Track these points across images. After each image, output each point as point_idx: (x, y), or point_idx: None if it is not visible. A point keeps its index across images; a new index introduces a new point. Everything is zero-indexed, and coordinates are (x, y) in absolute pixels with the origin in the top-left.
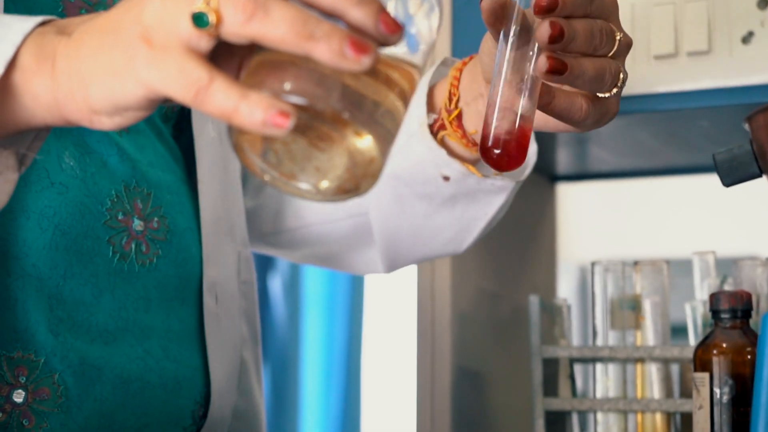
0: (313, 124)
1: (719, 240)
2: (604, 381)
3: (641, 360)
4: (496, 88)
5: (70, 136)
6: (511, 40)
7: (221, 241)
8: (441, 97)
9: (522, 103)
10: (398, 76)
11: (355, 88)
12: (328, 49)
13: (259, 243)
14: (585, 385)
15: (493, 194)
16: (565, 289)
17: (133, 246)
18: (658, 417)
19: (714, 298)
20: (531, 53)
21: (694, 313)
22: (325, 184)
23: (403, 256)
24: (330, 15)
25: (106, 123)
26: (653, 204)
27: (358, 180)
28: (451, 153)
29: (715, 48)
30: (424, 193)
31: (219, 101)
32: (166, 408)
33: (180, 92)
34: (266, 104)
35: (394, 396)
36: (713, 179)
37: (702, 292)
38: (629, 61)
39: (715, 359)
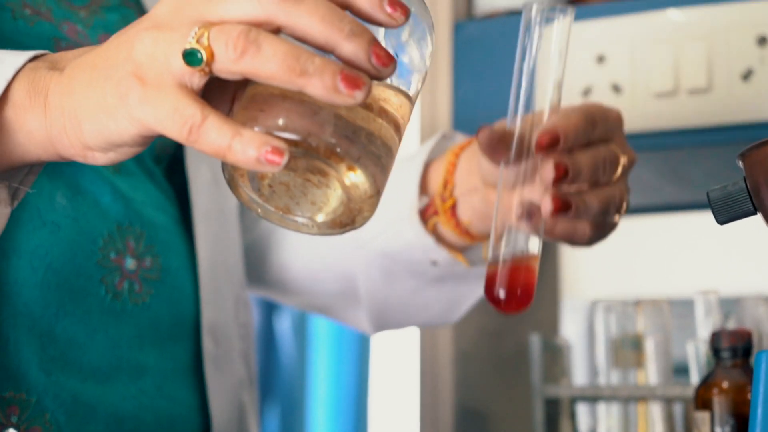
0: (306, 159)
1: (722, 278)
2: (607, 420)
3: (644, 399)
4: (500, 225)
5: (62, 176)
6: (513, 176)
7: (219, 283)
8: (436, 179)
9: (527, 243)
10: (392, 107)
11: (349, 122)
12: (321, 85)
13: (253, 286)
14: (591, 425)
15: (482, 277)
16: (570, 328)
17: (126, 285)
18: None
19: (715, 336)
20: (535, 185)
21: (696, 352)
22: (320, 217)
23: (391, 323)
24: (323, 50)
25: (100, 159)
26: (656, 242)
27: (353, 214)
28: (442, 239)
29: (715, 85)
30: (413, 271)
31: (212, 139)
32: None
33: (174, 130)
34: (259, 142)
35: None
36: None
37: (705, 331)
38: (628, 99)
39: (715, 398)
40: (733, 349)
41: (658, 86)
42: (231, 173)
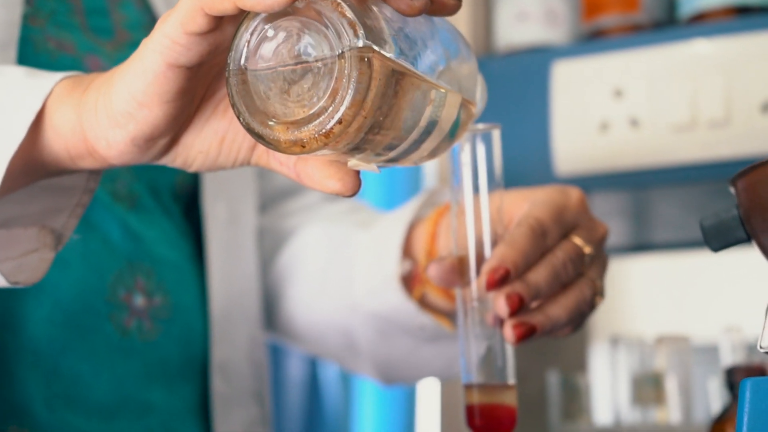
0: None
1: (747, 316)
2: None
3: None
4: (469, 362)
5: None
6: (475, 294)
7: (232, 321)
8: (420, 243)
9: (497, 370)
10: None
11: None
12: None
13: (269, 330)
14: None
15: None
16: (590, 365)
17: (135, 323)
18: None
19: (730, 371)
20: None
21: (721, 391)
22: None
23: (396, 377)
24: None
25: (120, 137)
26: (680, 278)
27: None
28: (431, 304)
29: (734, 118)
30: (406, 331)
31: None
32: None
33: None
34: None
35: None
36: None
37: None
38: (647, 133)
39: None
40: None
41: (676, 119)
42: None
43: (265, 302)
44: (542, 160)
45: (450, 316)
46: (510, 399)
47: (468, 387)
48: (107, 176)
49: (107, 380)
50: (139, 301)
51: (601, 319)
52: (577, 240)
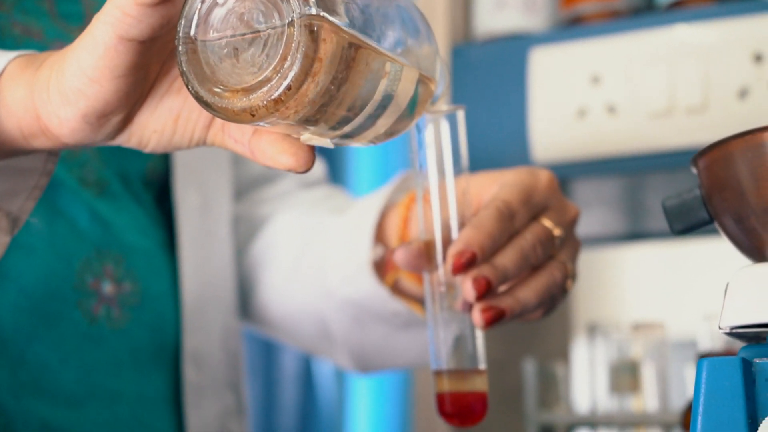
0: None
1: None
2: None
3: (640, 426)
4: (438, 348)
5: (40, 199)
6: (443, 279)
7: (205, 309)
8: (392, 229)
9: (467, 355)
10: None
11: None
12: None
13: (245, 320)
14: None
15: None
16: (567, 353)
17: (103, 310)
18: None
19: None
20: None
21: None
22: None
23: (372, 365)
24: None
25: (71, 114)
26: (661, 268)
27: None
28: (404, 290)
29: (711, 104)
30: (379, 318)
31: None
32: None
33: None
34: None
35: None
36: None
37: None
38: (624, 120)
39: None
40: None
41: (653, 106)
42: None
43: (240, 291)
44: (519, 146)
45: (423, 301)
46: (481, 385)
47: (438, 374)
48: (75, 162)
49: (75, 368)
50: (108, 288)
51: (580, 308)
52: (547, 222)
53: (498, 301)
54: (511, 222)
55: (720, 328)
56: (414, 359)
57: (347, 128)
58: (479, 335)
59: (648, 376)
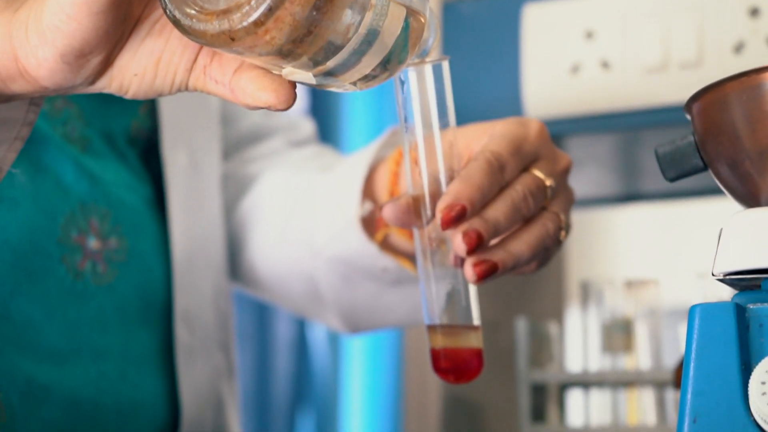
0: None
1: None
2: (597, 407)
3: (633, 384)
4: (431, 304)
5: (23, 152)
6: (434, 234)
7: (195, 269)
8: (382, 184)
9: (461, 311)
10: None
11: None
12: None
13: (233, 280)
14: (580, 412)
15: None
16: (560, 312)
17: (89, 265)
18: None
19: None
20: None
21: None
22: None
23: (362, 325)
24: None
25: (49, 53)
26: (656, 227)
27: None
28: (394, 246)
29: (706, 59)
30: (369, 275)
31: None
32: None
33: None
34: None
35: None
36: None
37: None
38: (618, 75)
39: None
40: None
41: (647, 61)
42: None
43: (229, 251)
44: (512, 103)
45: (414, 257)
46: (476, 341)
47: (431, 329)
48: (57, 120)
49: (60, 324)
50: (93, 243)
51: (574, 268)
52: (538, 172)
53: (490, 255)
54: (500, 173)
55: (713, 275)
56: (405, 317)
57: (330, 63)
58: (472, 290)
59: (641, 334)
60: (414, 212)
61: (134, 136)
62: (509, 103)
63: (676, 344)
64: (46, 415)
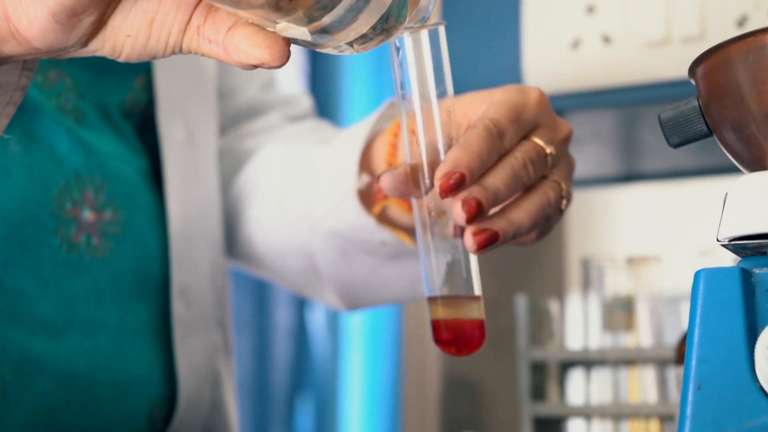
0: None
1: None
2: (598, 385)
3: (634, 362)
4: (431, 276)
5: (17, 122)
6: (432, 204)
7: (192, 244)
8: (379, 156)
9: (461, 282)
10: None
11: None
12: None
13: (229, 256)
14: (580, 390)
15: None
16: (561, 289)
17: (83, 238)
18: (653, 423)
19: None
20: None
21: None
22: None
23: (360, 300)
24: None
25: (41, 12)
26: (658, 205)
27: None
28: (392, 219)
29: (709, 33)
30: (366, 250)
31: None
32: (117, 407)
33: None
34: None
35: None
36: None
37: None
38: (619, 50)
39: None
40: None
41: (649, 35)
42: None
43: (226, 227)
44: (512, 78)
45: (412, 231)
46: (477, 312)
47: (432, 300)
48: (51, 91)
49: (53, 296)
50: (88, 215)
51: (574, 245)
52: (538, 140)
53: (490, 224)
54: (500, 141)
55: (718, 240)
56: (403, 292)
57: (326, 19)
58: (473, 260)
59: (642, 312)
60: (412, 182)
61: (129, 110)
62: (509, 79)
63: (677, 322)
64: (40, 389)
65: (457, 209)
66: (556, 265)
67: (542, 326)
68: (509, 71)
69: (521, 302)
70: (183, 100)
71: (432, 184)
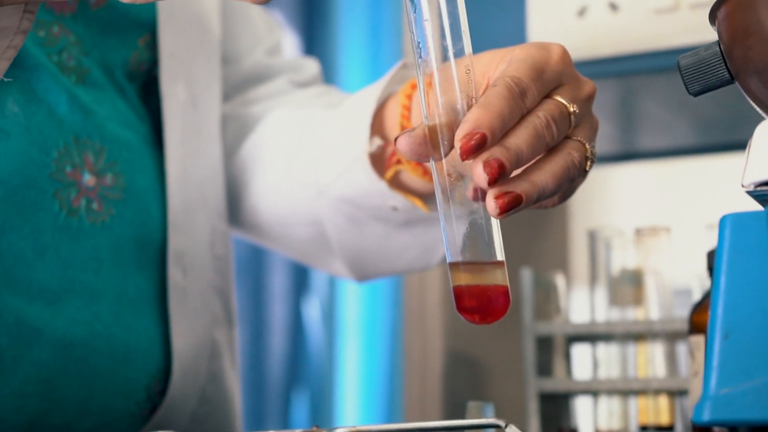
0: None
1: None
2: (605, 360)
3: (643, 337)
4: (452, 241)
5: (15, 82)
6: (451, 167)
7: (191, 210)
8: (392, 119)
9: (483, 246)
10: None
11: None
12: None
13: (233, 226)
14: (587, 365)
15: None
16: (567, 262)
17: (83, 202)
18: (662, 399)
19: (711, 255)
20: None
21: (702, 285)
22: None
23: (369, 270)
24: None
25: None
26: (665, 180)
27: None
28: (404, 184)
29: None
30: (377, 216)
31: None
32: (115, 378)
33: None
34: None
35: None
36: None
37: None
38: (626, 17)
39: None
40: None
41: (657, 1)
42: None
43: (228, 194)
44: None
45: (426, 196)
46: (501, 278)
47: (454, 267)
48: (53, 48)
49: (52, 262)
50: (88, 179)
51: (579, 217)
52: (561, 99)
53: (513, 186)
54: (522, 100)
55: (743, 186)
56: (414, 261)
57: None
58: (495, 225)
59: (650, 285)
60: (430, 144)
61: (133, 70)
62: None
63: (687, 296)
64: (36, 357)
65: (478, 171)
66: (561, 239)
67: (548, 300)
68: (514, 39)
69: (526, 276)
70: (187, 60)
71: (451, 146)
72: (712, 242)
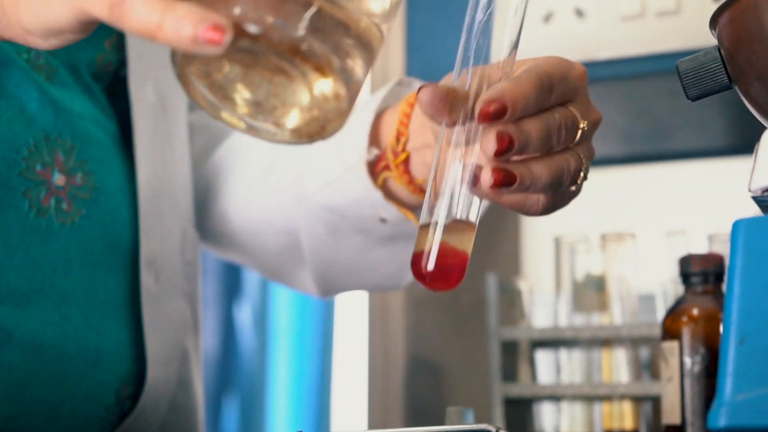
0: (268, 57)
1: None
2: (569, 365)
3: (607, 342)
4: (438, 184)
5: None
6: (456, 137)
7: (162, 214)
8: (388, 131)
9: (468, 208)
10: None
11: (324, 14)
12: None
13: (202, 235)
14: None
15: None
16: (531, 268)
17: (53, 202)
18: (626, 404)
19: (684, 261)
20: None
21: (664, 290)
22: (284, 123)
23: (337, 284)
24: None
25: (42, 44)
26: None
27: (322, 123)
28: (392, 196)
29: (684, 7)
30: (360, 228)
31: (139, 16)
32: (86, 382)
33: (97, 7)
34: (196, 18)
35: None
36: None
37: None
38: (592, 24)
39: (685, 327)
40: (703, 274)
41: (623, 9)
42: (181, 66)
43: (195, 204)
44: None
45: (411, 208)
46: (465, 243)
47: (422, 225)
48: (23, 46)
49: (21, 262)
50: (58, 178)
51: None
52: (574, 111)
53: (510, 166)
54: (547, 94)
55: (749, 191)
56: (385, 278)
57: None
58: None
59: (615, 290)
60: (449, 105)
61: (99, 71)
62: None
63: (651, 301)
64: (6, 360)
65: (489, 138)
66: (526, 244)
67: (513, 306)
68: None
69: (491, 281)
70: (155, 63)
71: (468, 116)
72: (675, 248)
